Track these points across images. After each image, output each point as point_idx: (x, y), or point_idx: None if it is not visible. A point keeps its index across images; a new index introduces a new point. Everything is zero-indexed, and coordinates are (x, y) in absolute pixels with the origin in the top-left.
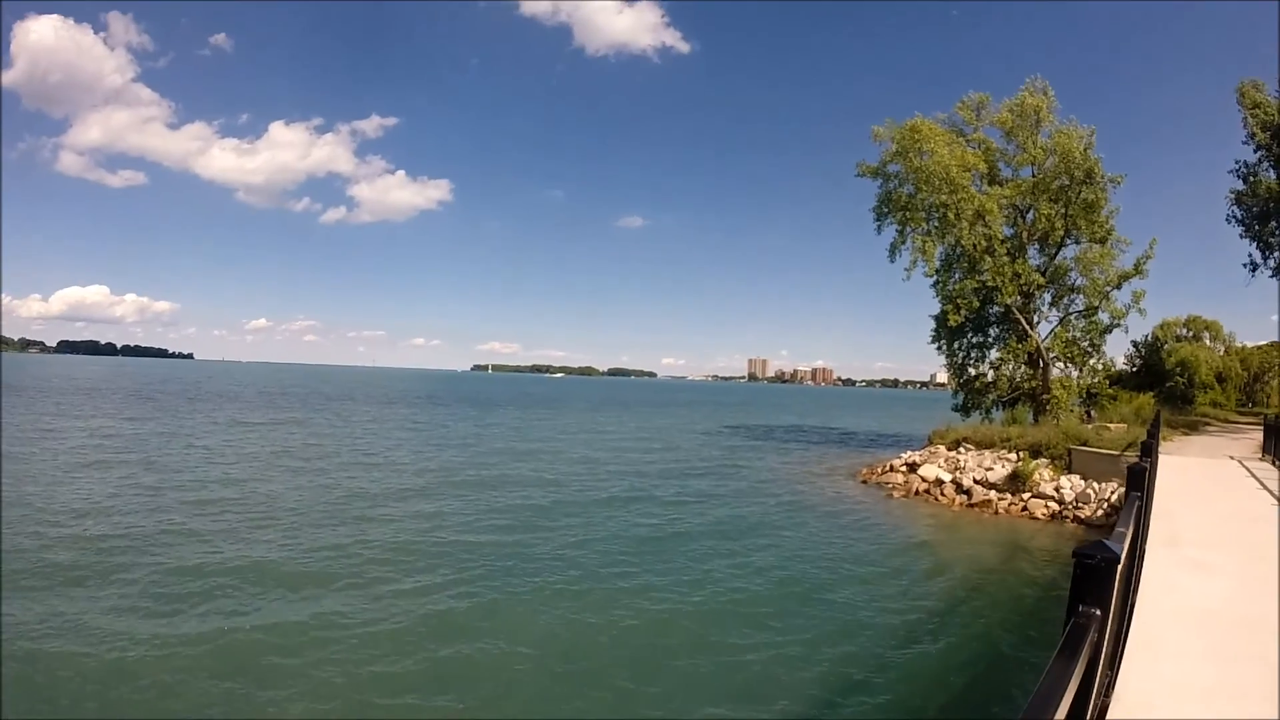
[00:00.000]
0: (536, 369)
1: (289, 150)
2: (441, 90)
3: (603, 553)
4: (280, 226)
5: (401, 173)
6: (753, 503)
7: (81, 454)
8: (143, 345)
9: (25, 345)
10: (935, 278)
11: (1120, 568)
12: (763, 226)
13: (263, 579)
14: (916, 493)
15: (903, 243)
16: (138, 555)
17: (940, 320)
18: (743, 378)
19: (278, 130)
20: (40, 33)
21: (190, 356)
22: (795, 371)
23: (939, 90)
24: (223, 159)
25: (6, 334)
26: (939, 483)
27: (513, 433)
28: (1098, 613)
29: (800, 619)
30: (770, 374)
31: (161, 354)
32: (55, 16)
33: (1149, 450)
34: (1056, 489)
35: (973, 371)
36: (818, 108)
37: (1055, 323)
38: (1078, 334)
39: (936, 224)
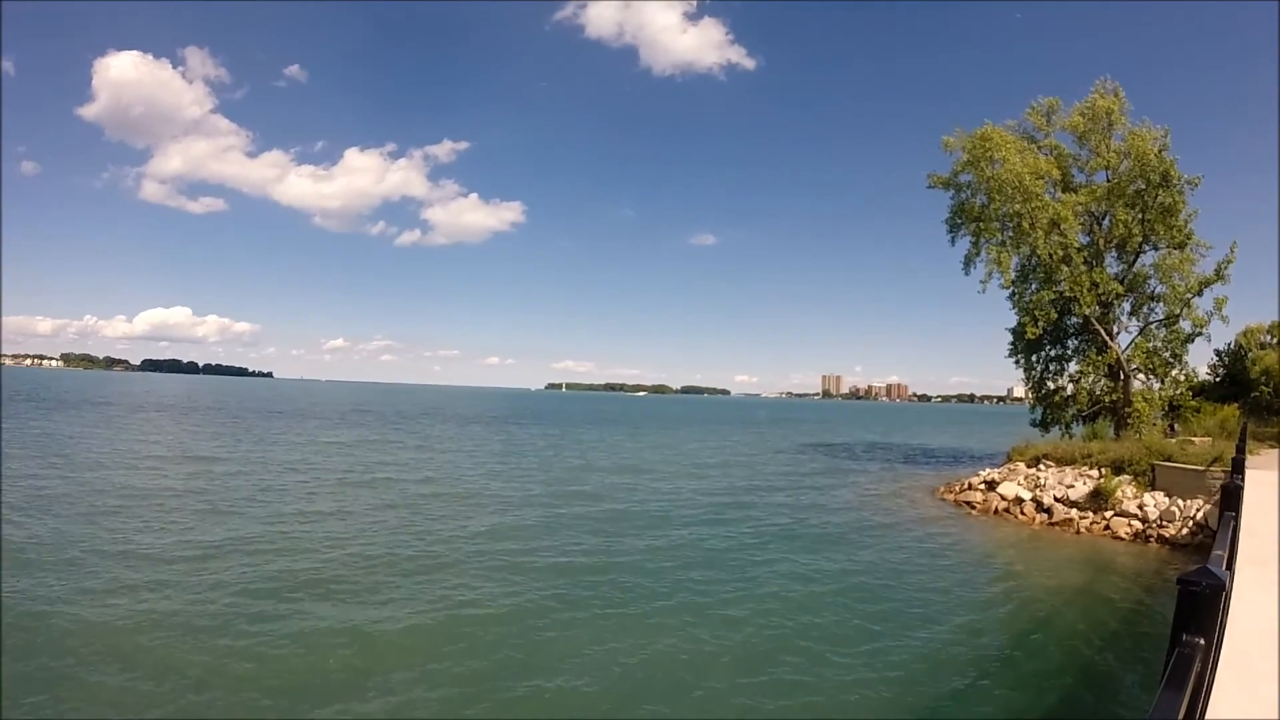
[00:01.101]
0: (610, 387)
1: (364, 176)
2: (511, 114)
3: (678, 571)
4: (357, 249)
5: (474, 195)
6: (830, 521)
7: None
8: (223, 364)
9: (110, 364)
10: (1011, 289)
11: None
12: (834, 241)
13: (357, 588)
14: (996, 511)
15: (977, 254)
16: (238, 558)
17: (1017, 333)
18: (816, 395)
19: (352, 156)
20: (121, 68)
21: (270, 375)
22: (869, 387)
23: (1008, 98)
24: (300, 185)
25: (92, 353)
26: (1019, 501)
27: (592, 451)
28: (1201, 642)
29: (874, 643)
30: (844, 390)
31: (242, 373)
32: (135, 52)
33: (1240, 467)
34: (1140, 507)
35: (1051, 385)
36: (885, 119)
37: (1135, 333)
38: (1159, 344)
39: (1011, 234)
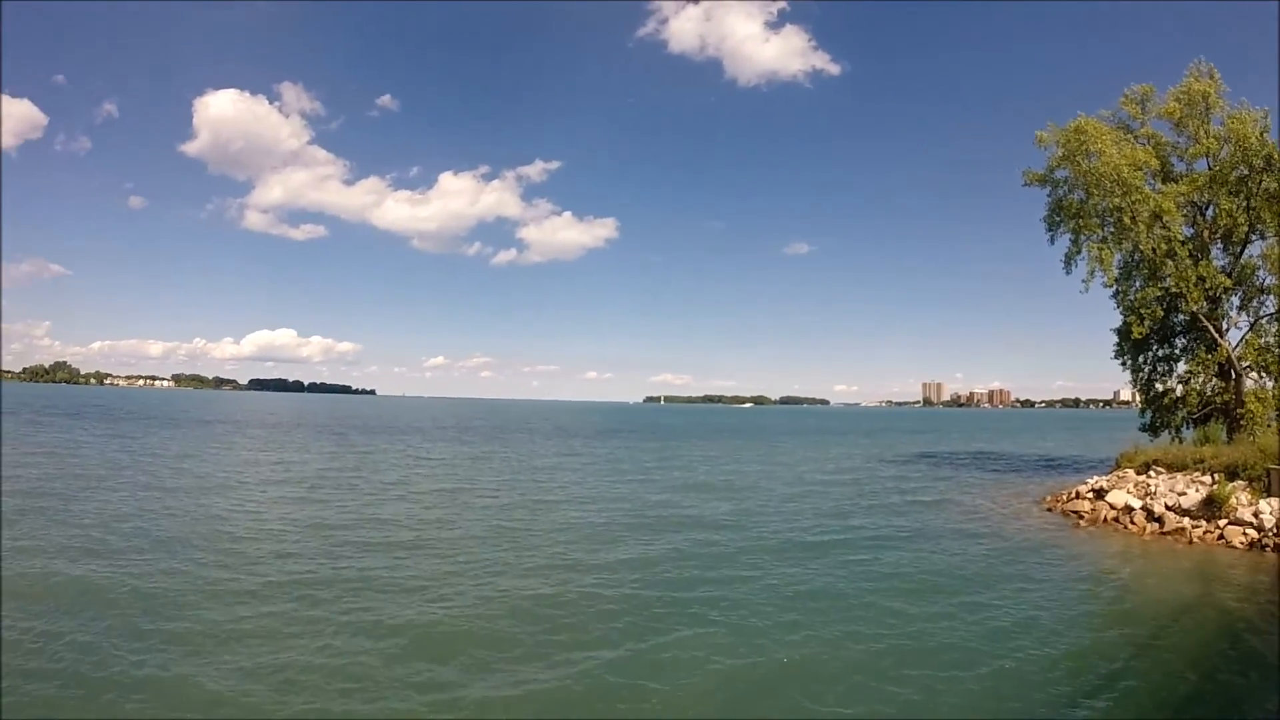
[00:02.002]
0: (708, 399)
1: (459, 198)
2: (600, 132)
3: (777, 582)
4: (454, 270)
5: (568, 213)
6: (932, 533)
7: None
8: (328, 383)
9: (219, 384)
10: (1115, 287)
11: None
12: (930, 244)
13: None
14: (1104, 520)
15: (1078, 252)
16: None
17: (1122, 333)
18: (917, 403)
19: (447, 180)
20: (220, 105)
21: (372, 392)
22: (971, 394)
23: (1101, 90)
24: (396, 210)
25: (202, 373)
26: (1128, 509)
27: (693, 463)
28: None
29: (978, 660)
30: (945, 398)
31: (345, 390)
32: (233, 90)
33: None
34: (1255, 514)
35: (1160, 387)
36: (975, 118)
37: (1246, 329)
38: (1271, 340)
39: (1112, 229)
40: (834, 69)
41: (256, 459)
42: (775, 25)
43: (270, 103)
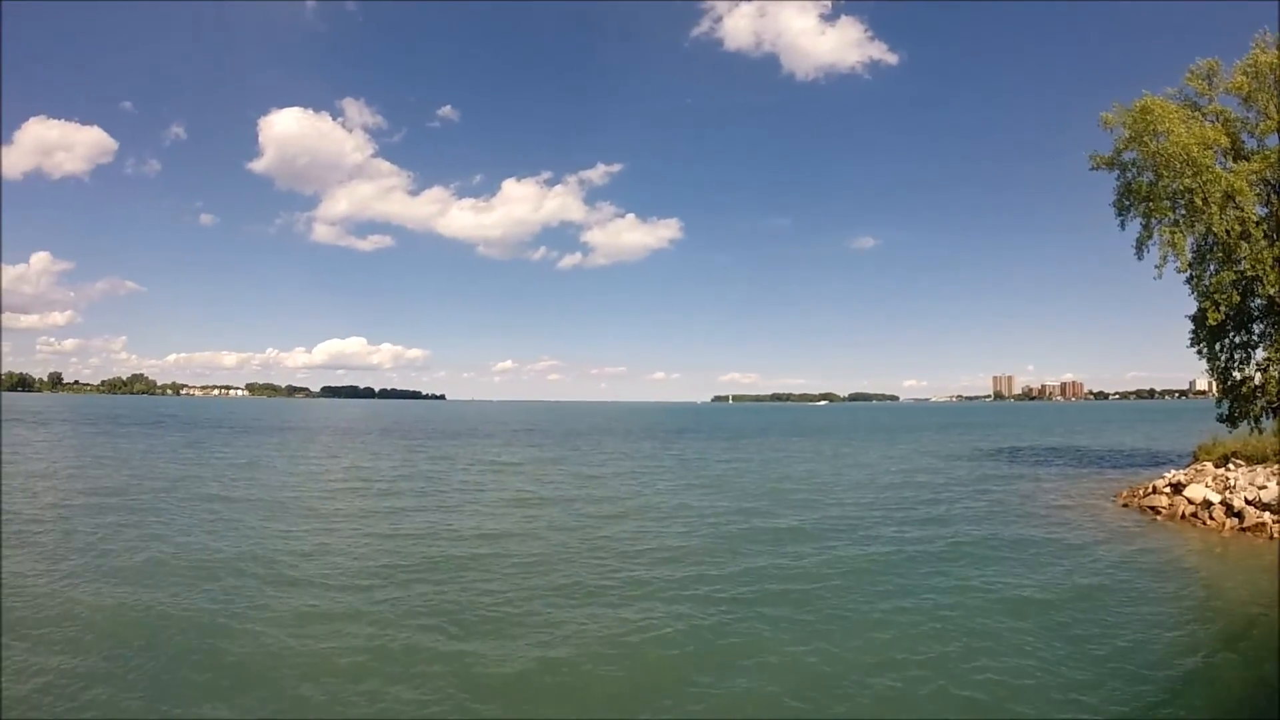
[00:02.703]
0: (776, 398)
1: (522, 204)
2: (660, 133)
3: (849, 587)
4: (520, 275)
5: (631, 216)
6: (1008, 531)
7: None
8: (398, 388)
9: (291, 391)
10: (1188, 272)
11: None
12: (998, 235)
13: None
14: (1182, 516)
15: (1149, 237)
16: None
17: (1198, 320)
18: (988, 397)
19: (510, 187)
20: (284, 123)
21: (442, 397)
22: (1043, 387)
23: (1167, 69)
24: (461, 218)
25: (275, 382)
26: (1207, 504)
27: (766, 463)
28: None
29: (1055, 661)
30: (1016, 391)
31: (415, 395)
32: (296, 108)
33: None
34: None
35: (1237, 375)
36: (1040, 101)
37: None
38: None
39: (1183, 212)
40: (892, 59)
41: (330, 466)
42: (830, 18)
43: (333, 119)
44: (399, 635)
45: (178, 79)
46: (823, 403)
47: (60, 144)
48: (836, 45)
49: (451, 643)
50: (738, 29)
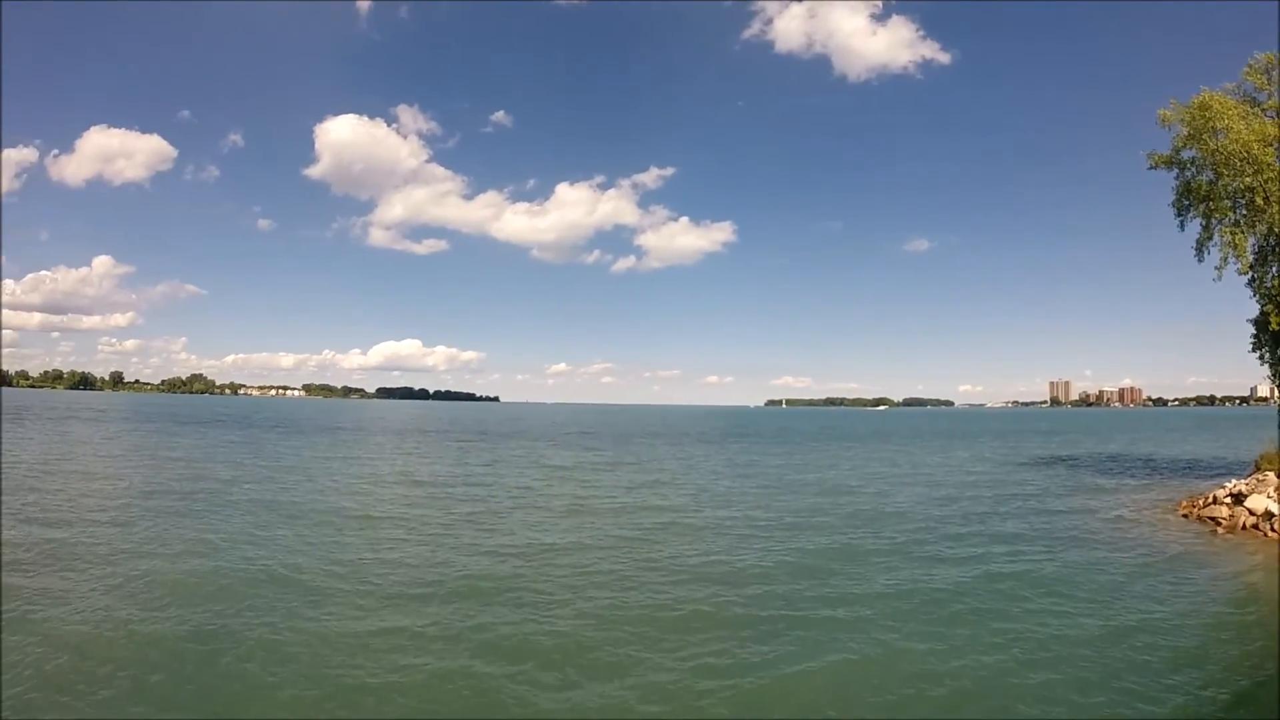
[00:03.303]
0: (830, 402)
1: (576, 208)
2: (712, 136)
3: (909, 593)
4: (574, 278)
5: (685, 219)
6: (1067, 541)
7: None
8: (452, 390)
9: (347, 392)
10: (1249, 274)
11: None
12: (1053, 236)
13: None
14: (1243, 527)
15: (1209, 238)
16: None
17: (1260, 324)
18: (1044, 402)
19: (563, 191)
20: (339, 130)
21: (496, 399)
22: (1100, 393)
23: (1228, 63)
24: (515, 222)
25: (331, 383)
26: (1268, 515)
27: (821, 468)
28: None
29: (1111, 670)
30: (1073, 397)
31: (470, 397)
32: (351, 115)
33: None
34: None
35: None
36: (1096, 100)
37: None
38: None
39: (1244, 211)
40: (944, 58)
41: (383, 468)
42: (881, 17)
43: (388, 125)
44: (443, 658)
45: (234, 88)
46: (881, 408)
47: (121, 152)
48: (888, 45)
49: (495, 667)
50: (788, 31)
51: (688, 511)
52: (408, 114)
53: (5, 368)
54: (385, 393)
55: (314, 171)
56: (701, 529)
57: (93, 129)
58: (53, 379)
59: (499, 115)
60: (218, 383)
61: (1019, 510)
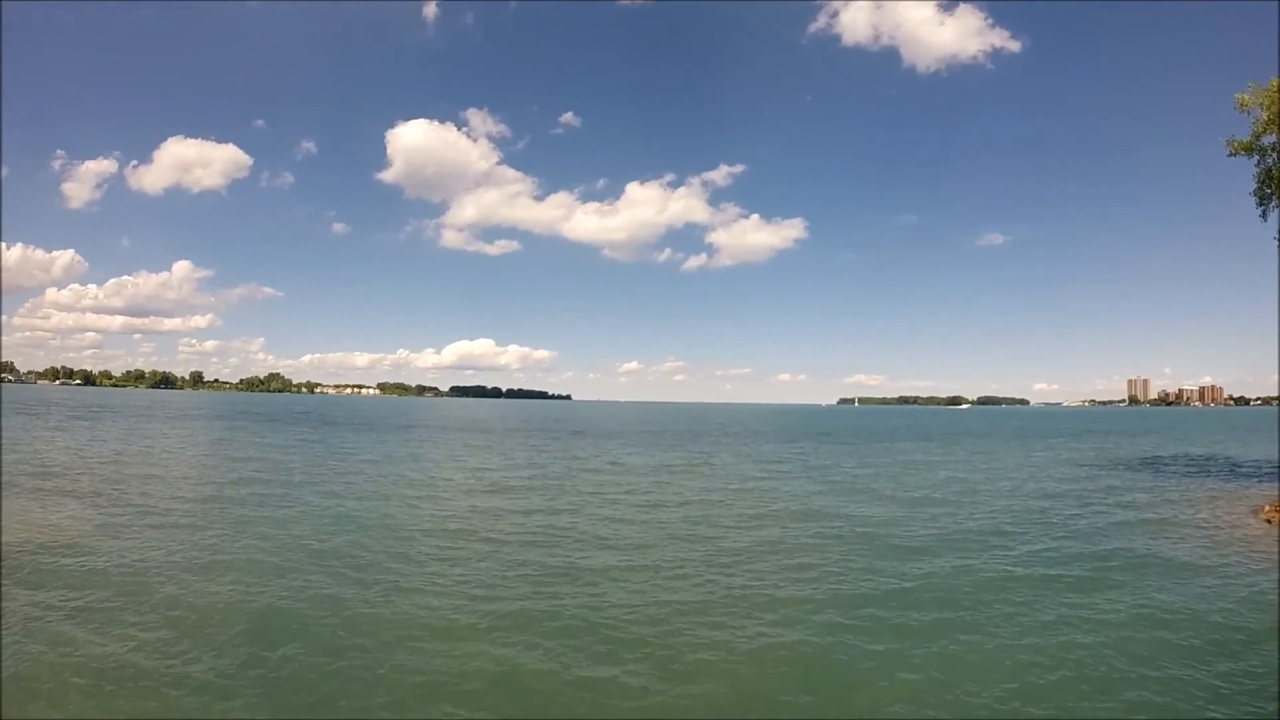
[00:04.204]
0: (903, 400)
1: (646, 207)
2: (781, 132)
3: (984, 602)
4: (645, 277)
5: (756, 216)
6: (1148, 549)
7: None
8: (525, 389)
9: (421, 391)
10: None
11: None
12: (1131, 229)
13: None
14: None
15: None
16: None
17: None
18: (1122, 401)
19: (634, 190)
20: (411, 135)
21: (568, 398)
22: (1180, 391)
23: None
24: (586, 222)
25: (405, 382)
26: None
27: (895, 469)
28: None
29: (1188, 687)
30: (1152, 396)
31: (542, 396)
32: (422, 120)
33: None
34: None
35: None
36: (1173, 83)
37: None
38: None
39: None
40: (1014, 46)
41: (458, 464)
42: (948, 7)
43: (458, 129)
44: (520, 653)
45: (307, 97)
46: (964, 406)
47: (198, 161)
48: (956, 35)
49: (574, 666)
50: (855, 23)
51: (763, 513)
52: (477, 117)
53: (89, 368)
54: (459, 391)
55: (387, 176)
56: (779, 532)
57: (170, 140)
58: (134, 378)
59: (567, 116)
60: (294, 382)
61: (1100, 516)
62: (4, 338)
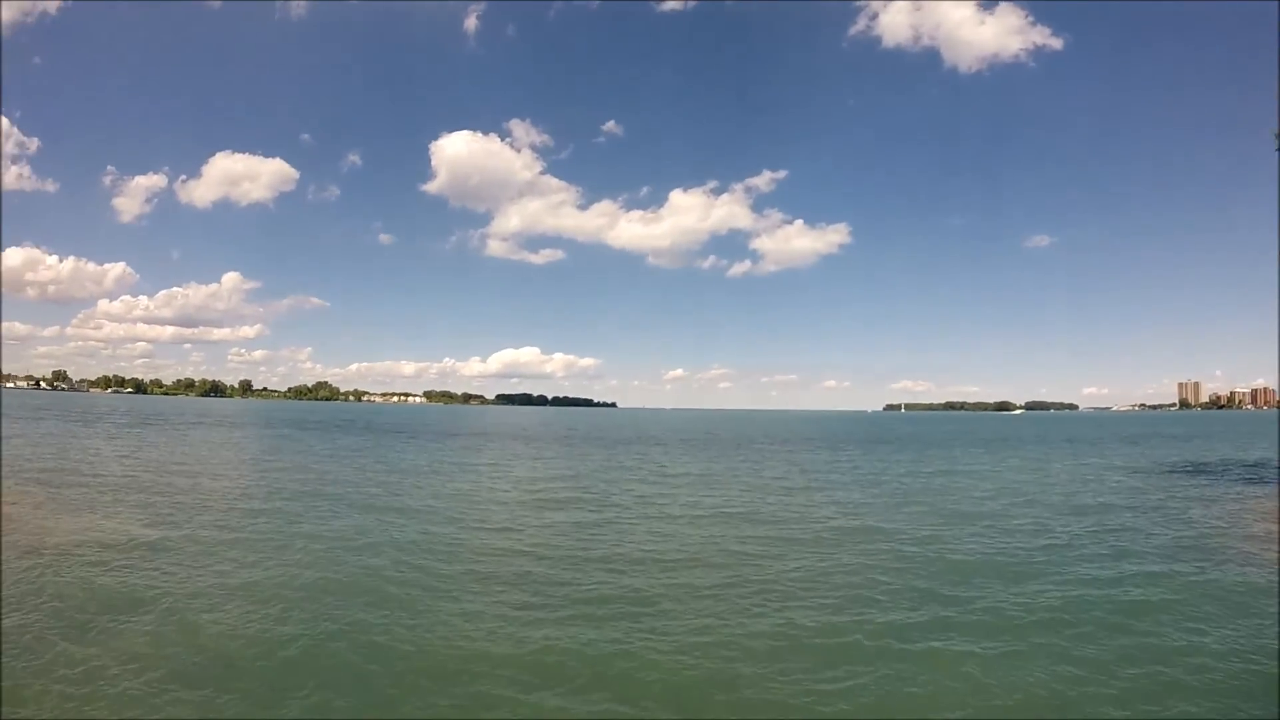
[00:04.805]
0: (950, 406)
1: (690, 214)
2: (824, 136)
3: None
4: (690, 284)
5: (800, 222)
6: (1206, 566)
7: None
8: (570, 396)
9: (467, 398)
10: None
11: None
12: (1181, 229)
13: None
14: None
15: None
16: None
17: None
18: (1173, 405)
19: (677, 197)
20: (454, 147)
21: (613, 405)
22: (1232, 394)
23: None
24: (630, 229)
25: (451, 389)
26: None
27: (952, 476)
28: None
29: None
30: (1203, 399)
31: (587, 403)
32: (465, 131)
33: None
34: None
35: None
36: (1222, 81)
37: None
38: None
39: None
40: (1056, 43)
41: (505, 473)
42: (988, 5)
43: (501, 139)
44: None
45: (351, 111)
46: (1017, 411)
47: (246, 175)
48: (997, 33)
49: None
50: (894, 24)
51: (815, 527)
52: (520, 128)
53: (141, 377)
54: (504, 399)
55: (431, 187)
56: (832, 549)
57: (218, 155)
58: (185, 387)
59: (609, 125)
60: (342, 390)
61: (1156, 530)
62: (57, 348)
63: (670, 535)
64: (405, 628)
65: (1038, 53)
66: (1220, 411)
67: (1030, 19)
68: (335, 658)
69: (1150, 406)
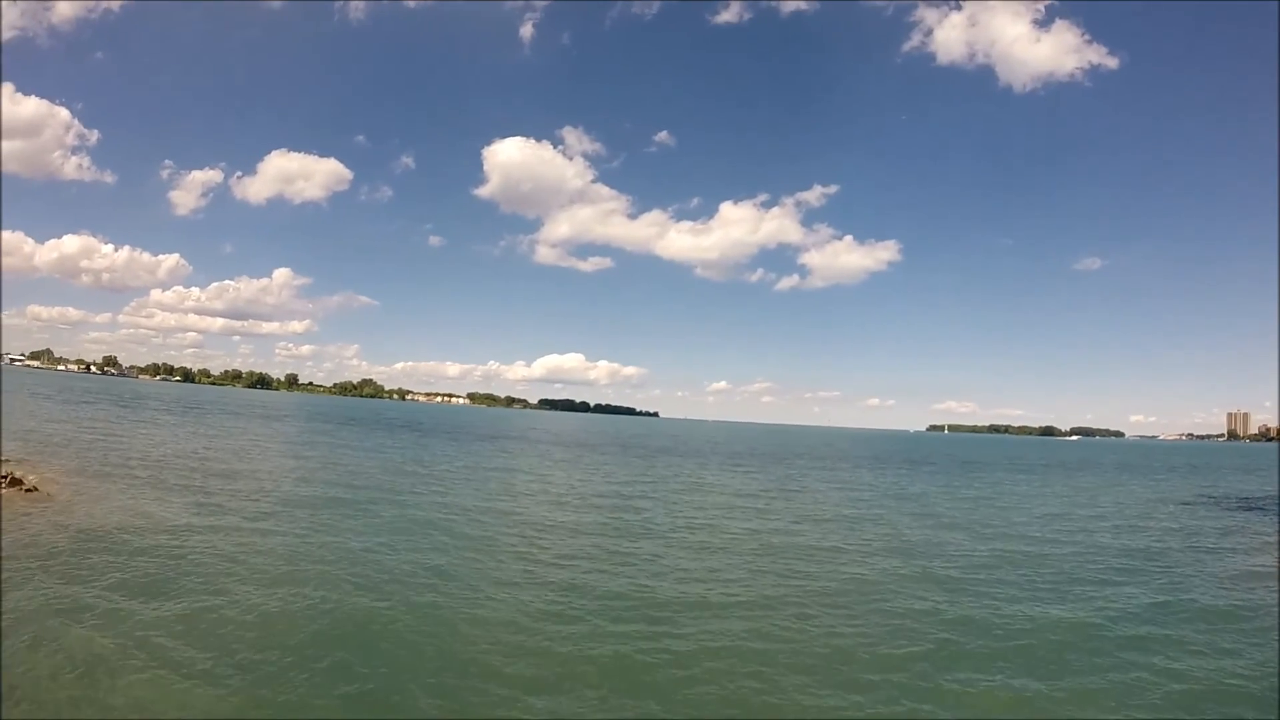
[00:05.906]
0: (994, 429)
1: (739, 227)
2: (876, 153)
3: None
4: (737, 296)
5: (849, 238)
6: (1238, 603)
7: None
8: (613, 404)
9: (510, 402)
10: None
11: None
12: (1234, 254)
13: None
14: None
15: None
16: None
17: None
18: (1221, 435)
19: (727, 209)
20: (507, 152)
21: (655, 415)
22: None
23: None
24: (679, 240)
25: (495, 393)
26: None
27: (996, 501)
28: None
29: None
30: (1252, 430)
31: (630, 412)
32: (518, 138)
33: None
34: None
35: None
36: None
37: None
38: None
39: None
40: (1111, 62)
41: (547, 476)
42: (1044, 23)
43: (554, 147)
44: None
45: (406, 115)
46: (1075, 438)
47: (300, 174)
48: (1053, 52)
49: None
50: (949, 41)
51: (857, 550)
52: (572, 135)
53: (189, 366)
54: (547, 404)
55: (483, 191)
56: (876, 574)
57: (274, 153)
58: (232, 378)
59: (662, 135)
60: (386, 388)
61: (1196, 565)
62: (109, 334)
63: (707, 552)
64: (449, 619)
65: (1093, 72)
66: (1269, 443)
67: (1086, 37)
68: (368, 651)
69: (1198, 436)
